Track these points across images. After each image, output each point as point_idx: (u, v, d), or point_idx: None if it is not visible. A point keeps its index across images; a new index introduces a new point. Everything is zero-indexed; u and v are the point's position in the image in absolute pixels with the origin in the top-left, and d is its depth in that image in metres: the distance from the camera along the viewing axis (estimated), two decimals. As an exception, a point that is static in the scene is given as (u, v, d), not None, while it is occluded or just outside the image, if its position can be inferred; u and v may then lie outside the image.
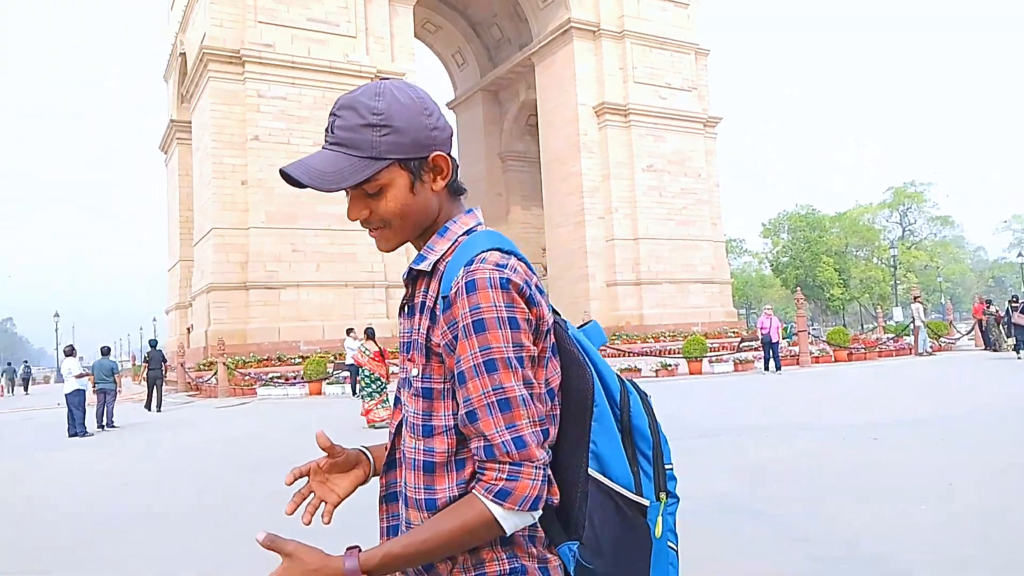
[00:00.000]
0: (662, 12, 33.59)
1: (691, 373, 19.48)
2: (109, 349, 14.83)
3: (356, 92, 1.16)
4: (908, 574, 3.83)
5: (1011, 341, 19.66)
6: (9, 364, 44.55)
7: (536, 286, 1.12)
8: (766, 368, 18.86)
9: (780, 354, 19.09)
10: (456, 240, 1.17)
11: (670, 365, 19.42)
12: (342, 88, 25.71)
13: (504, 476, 1.04)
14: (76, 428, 13.17)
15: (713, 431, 9.44)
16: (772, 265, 65.55)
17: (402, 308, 1.23)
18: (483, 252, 1.10)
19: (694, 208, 33.67)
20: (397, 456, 1.23)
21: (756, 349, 24.02)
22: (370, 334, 12.97)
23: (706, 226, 34.09)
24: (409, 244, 1.23)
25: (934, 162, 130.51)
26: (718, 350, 24.77)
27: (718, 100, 31.09)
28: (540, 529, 1.13)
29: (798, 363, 20.14)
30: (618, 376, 1.20)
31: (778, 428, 9.44)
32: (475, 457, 1.08)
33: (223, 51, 24.28)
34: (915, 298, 22.31)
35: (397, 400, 1.27)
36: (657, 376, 18.99)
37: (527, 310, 1.08)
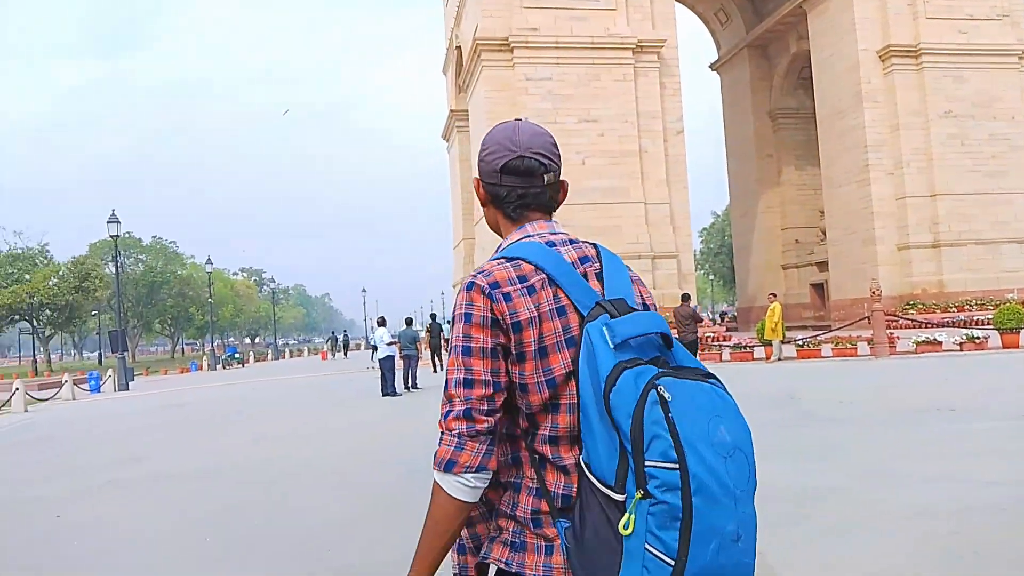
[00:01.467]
0: (961, -70, 29.23)
1: (1005, 347, 17.04)
2: (412, 320, 16.78)
3: None
4: None
5: None
6: (332, 332, 53.57)
7: (522, 287, 1.28)
8: None
9: None
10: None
11: (978, 338, 17.16)
12: (604, 63, 26.08)
13: (437, 443, 1.26)
14: (387, 388, 15.12)
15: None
16: (1116, 216, 54.44)
17: None
18: (489, 262, 1.33)
19: (1006, 156, 29.07)
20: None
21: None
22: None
23: (1021, 177, 29.29)
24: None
25: None
26: (1040, 319, 21.33)
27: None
28: (548, 513, 1.26)
29: None
30: (625, 367, 1.17)
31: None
32: None
33: (493, 40, 25.82)
34: None
35: None
36: (962, 350, 16.91)
37: (484, 308, 1.26)
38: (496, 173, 1.41)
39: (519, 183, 1.39)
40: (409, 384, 16.23)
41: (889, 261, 28.50)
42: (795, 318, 32.84)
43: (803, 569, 3.65)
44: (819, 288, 35.23)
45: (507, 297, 1.27)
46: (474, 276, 1.30)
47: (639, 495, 1.11)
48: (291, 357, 58.05)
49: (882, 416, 8.82)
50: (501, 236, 1.44)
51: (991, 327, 18.03)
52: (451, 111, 35.49)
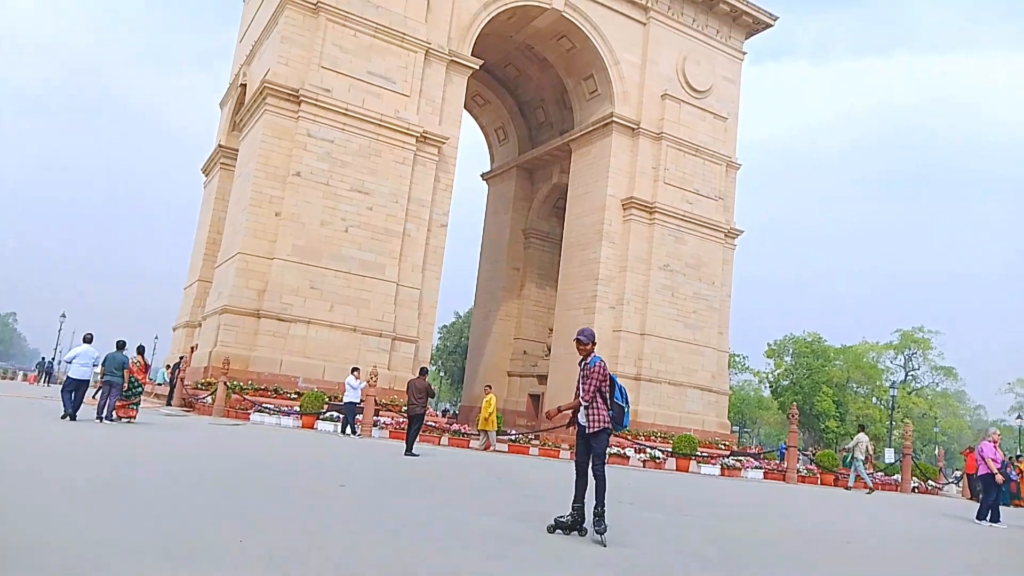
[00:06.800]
0: (701, 121, 35.02)
1: (678, 469, 19.59)
2: (124, 343, 15.16)
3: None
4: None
5: None
6: (43, 358, 49.75)
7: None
8: (981, 517, 13.21)
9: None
10: None
11: (659, 458, 19.56)
12: (387, 141, 26.84)
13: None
14: (67, 408, 13.62)
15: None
16: (772, 387, 65.51)
17: None
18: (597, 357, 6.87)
19: (704, 313, 34.17)
20: None
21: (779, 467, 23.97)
22: (141, 351, 15.98)
23: (713, 333, 34.50)
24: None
25: (943, 312, 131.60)
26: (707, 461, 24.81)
27: (742, 212, 32.18)
28: None
29: (784, 479, 20.24)
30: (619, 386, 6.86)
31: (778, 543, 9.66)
32: None
33: (283, 88, 25.52)
34: (860, 427, 21.87)
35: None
36: (644, 467, 19.12)
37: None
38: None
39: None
40: (104, 414, 14.53)
41: (599, 384, 31.44)
42: (510, 424, 34.67)
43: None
44: (536, 399, 37.74)
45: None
46: (601, 359, 6.76)
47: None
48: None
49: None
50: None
51: (670, 450, 20.65)
52: (219, 146, 33.90)
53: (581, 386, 6.57)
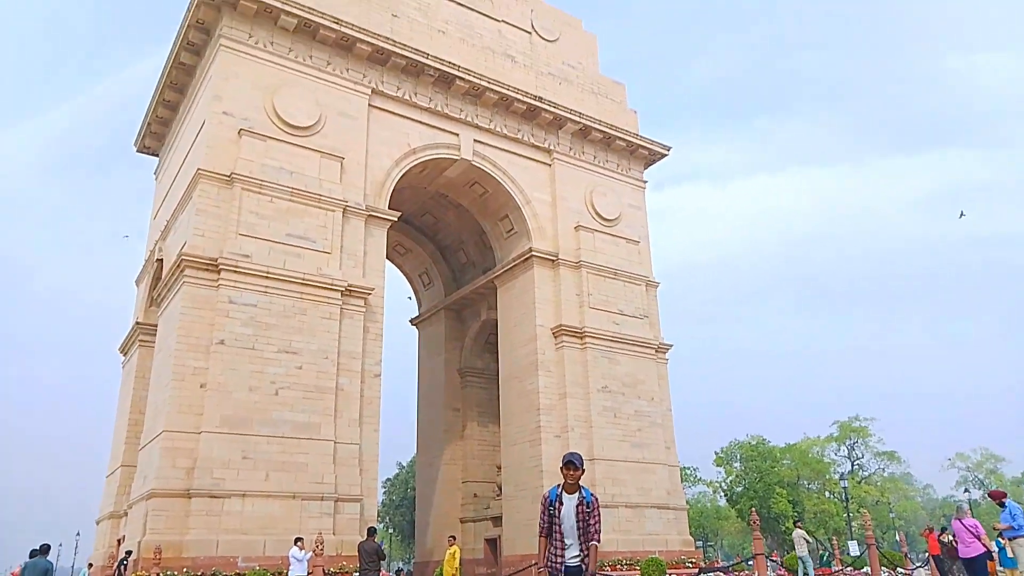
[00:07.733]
0: (615, 247, 36.37)
1: (649, 597, 18.84)
2: (48, 547, 13.84)
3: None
4: None
5: None
6: None
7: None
8: None
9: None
10: None
11: (627, 588, 18.80)
12: (312, 298, 26.70)
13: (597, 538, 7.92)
14: None
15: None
16: (727, 495, 64.94)
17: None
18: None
19: (648, 431, 34.04)
20: None
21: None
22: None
23: (660, 449, 34.27)
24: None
25: (877, 397, 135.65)
26: (676, 580, 24.02)
27: (670, 328, 33.48)
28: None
29: (757, 590, 19.68)
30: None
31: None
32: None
33: (201, 259, 25.33)
34: (796, 523, 21.86)
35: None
36: (614, 600, 18.32)
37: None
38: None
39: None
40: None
41: (555, 518, 30.48)
42: (469, 573, 33.01)
43: None
44: (493, 543, 36.18)
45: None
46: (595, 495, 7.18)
47: None
48: None
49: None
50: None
51: (638, 579, 19.91)
52: (137, 323, 32.94)
53: (589, 523, 6.65)
